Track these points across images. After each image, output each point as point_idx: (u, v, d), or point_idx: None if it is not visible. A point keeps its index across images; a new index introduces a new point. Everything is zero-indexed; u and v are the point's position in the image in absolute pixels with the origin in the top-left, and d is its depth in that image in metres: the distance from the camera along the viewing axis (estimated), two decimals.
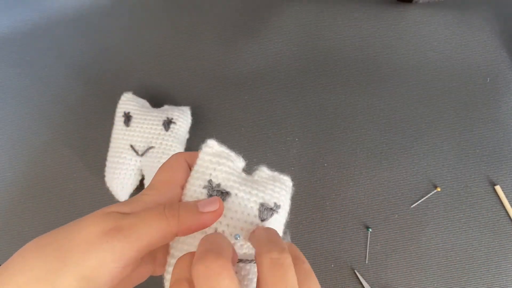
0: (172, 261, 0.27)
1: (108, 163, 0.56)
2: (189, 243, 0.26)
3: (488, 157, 0.56)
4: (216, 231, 0.26)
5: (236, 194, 0.27)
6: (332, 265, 0.53)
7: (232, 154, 0.29)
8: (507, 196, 0.53)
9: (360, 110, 0.59)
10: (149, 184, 0.27)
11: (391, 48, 0.61)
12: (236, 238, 0.26)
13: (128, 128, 0.55)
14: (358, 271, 0.53)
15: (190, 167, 0.29)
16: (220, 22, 0.66)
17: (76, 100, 0.64)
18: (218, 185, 0.27)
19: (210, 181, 0.27)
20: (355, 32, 0.63)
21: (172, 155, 0.29)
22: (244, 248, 0.27)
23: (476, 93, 0.58)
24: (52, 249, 0.22)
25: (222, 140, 0.29)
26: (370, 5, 0.63)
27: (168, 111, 0.56)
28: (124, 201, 0.26)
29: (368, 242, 0.54)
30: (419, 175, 0.56)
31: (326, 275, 0.53)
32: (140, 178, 0.56)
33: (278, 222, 0.29)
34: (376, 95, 0.60)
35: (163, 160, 0.51)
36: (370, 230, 0.54)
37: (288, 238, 0.30)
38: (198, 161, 0.28)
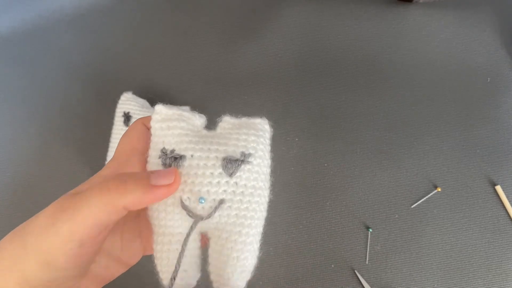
0: (155, 237, 0.25)
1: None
2: (165, 217, 0.25)
3: (488, 157, 0.55)
4: (181, 200, 0.25)
5: (192, 156, 0.25)
6: (332, 265, 0.53)
7: (185, 113, 0.26)
8: (507, 196, 0.53)
9: (360, 110, 0.59)
10: (112, 157, 0.26)
11: (391, 48, 0.61)
12: (201, 202, 0.24)
13: None
14: (358, 271, 0.53)
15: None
16: (220, 22, 0.66)
17: (76, 100, 0.64)
18: (172, 151, 0.25)
19: (163, 149, 0.25)
20: (355, 32, 0.63)
21: (132, 123, 0.27)
22: (211, 209, 0.25)
23: (477, 93, 0.58)
24: (18, 235, 0.22)
25: None
26: (370, 5, 0.63)
27: None
28: (89, 179, 0.25)
29: (369, 242, 0.53)
30: (420, 175, 0.56)
31: (326, 275, 0.53)
32: None
33: (254, 173, 0.26)
34: (376, 95, 0.60)
35: None
36: (371, 230, 0.54)
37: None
38: (152, 131, 0.26)
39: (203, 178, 0.25)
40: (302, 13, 0.64)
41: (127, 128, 0.55)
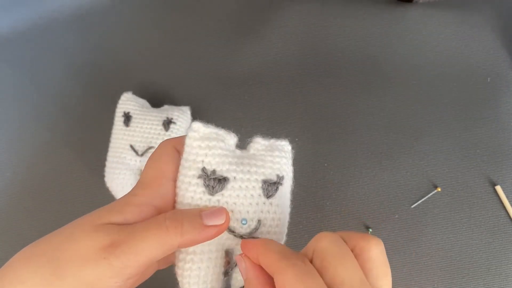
0: (182, 256, 0.25)
1: (108, 163, 0.56)
2: None
3: (488, 157, 0.55)
4: None
5: (234, 178, 0.26)
6: None
7: (222, 133, 0.26)
8: (507, 196, 0.53)
9: (360, 110, 0.59)
10: (138, 181, 0.25)
11: (391, 48, 0.61)
12: (243, 224, 0.25)
13: (128, 128, 0.55)
14: None
15: (180, 155, 0.26)
16: (220, 22, 0.66)
17: (76, 100, 0.64)
18: (213, 171, 0.25)
19: (203, 169, 0.25)
20: (355, 32, 0.63)
21: (160, 144, 0.27)
22: (252, 229, 0.26)
23: (477, 93, 0.58)
24: (45, 260, 0.21)
25: None
26: (370, 5, 0.63)
27: (168, 111, 0.56)
28: (115, 205, 0.24)
29: None
30: (419, 175, 0.56)
31: None
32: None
33: (284, 193, 0.28)
34: (376, 95, 0.60)
35: None
36: (370, 230, 0.54)
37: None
38: (186, 149, 0.26)
39: (245, 200, 0.26)
40: (302, 13, 0.64)
41: (127, 128, 0.55)
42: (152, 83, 0.63)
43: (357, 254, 0.22)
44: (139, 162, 0.54)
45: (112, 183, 0.55)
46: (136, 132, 0.54)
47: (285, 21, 0.64)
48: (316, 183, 0.56)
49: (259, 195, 0.26)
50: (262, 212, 0.26)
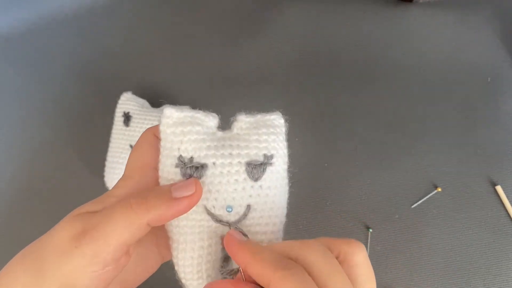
0: (175, 245, 0.25)
1: (108, 163, 0.56)
2: (186, 225, 0.24)
3: (488, 157, 0.55)
4: (205, 209, 0.24)
5: (214, 163, 0.24)
6: None
7: (198, 115, 0.25)
8: (508, 196, 0.53)
9: (360, 110, 0.59)
10: (123, 174, 0.25)
11: (391, 48, 0.61)
12: (229, 211, 0.24)
13: (128, 128, 0.55)
14: None
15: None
16: (220, 22, 0.66)
17: (76, 100, 0.64)
18: (191, 159, 0.23)
19: (180, 157, 0.23)
20: (355, 32, 0.63)
21: (142, 133, 0.26)
22: (240, 216, 0.24)
23: (477, 93, 0.58)
24: (31, 259, 0.21)
25: None
26: (371, 5, 0.63)
27: None
28: (98, 198, 0.24)
29: (369, 242, 0.53)
30: (420, 175, 0.55)
31: None
32: None
33: (276, 173, 0.25)
34: (376, 94, 0.59)
35: None
36: (371, 230, 0.54)
37: None
38: (162, 136, 0.24)
39: (228, 186, 0.24)
40: (302, 14, 0.64)
41: (127, 128, 0.55)
42: (152, 83, 0.63)
43: (341, 261, 0.22)
44: None
45: (112, 183, 0.55)
46: (136, 132, 0.54)
47: (285, 21, 0.64)
48: (316, 183, 0.56)
49: (244, 179, 0.24)
50: (251, 196, 0.24)
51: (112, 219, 0.21)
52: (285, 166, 0.27)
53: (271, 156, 0.25)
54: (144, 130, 0.56)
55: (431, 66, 0.60)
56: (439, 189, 0.54)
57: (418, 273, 0.52)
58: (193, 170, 0.23)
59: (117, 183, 0.25)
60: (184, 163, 0.23)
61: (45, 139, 0.62)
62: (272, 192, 0.25)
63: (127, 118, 0.55)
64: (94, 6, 0.68)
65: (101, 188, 0.57)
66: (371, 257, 0.53)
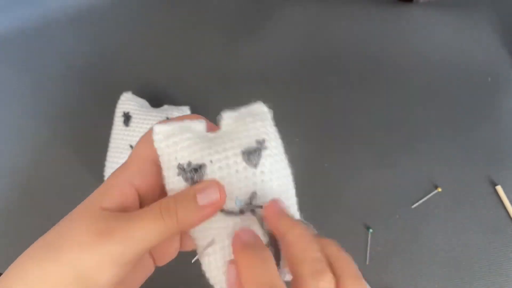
0: (198, 250, 0.25)
1: (107, 163, 0.56)
2: (204, 228, 0.25)
3: (489, 157, 0.55)
4: None
5: (211, 161, 0.25)
6: None
7: (185, 124, 0.25)
8: (508, 196, 0.53)
9: (360, 110, 0.59)
10: (122, 163, 0.26)
11: (391, 48, 0.61)
12: (238, 204, 0.24)
13: (128, 128, 0.55)
14: None
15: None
16: (220, 23, 0.66)
17: (76, 100, 0.64)
18: (189, 163, 0.24)
19: (179, 165, 0.24)
20: (355, 32, 0.63)
21: (148, 131, 0.26)
22: (245, 206, 0.25)
23: (477, 92, 0.58)
24: (44, 251, 0.22)
25: None
26: (371, 5, 0.63)
27: (168, 111, 0.56)
28: (103, 188, 0.24)
29: (369, 242, 0.53)
30: (420, 175, 0.55)
31: None
32: None
33: (273, 156, 0.26)
34: (376, 94, 0.59)
35: None
36: (371, 230, 0.54)
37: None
38: (159, 152, 0.25)
39: (230, 178, 0.24)
40: (303, 14, 0.64)
41: (127, 128, 0.55)
42: (152, 83, 0.63)
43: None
44: None
45: None
46: (136, 132, 0.54)
47: (285, 21, 0.64)
48: (316, 183, 0.56)
49: (244, 167, 0.25)
50: (255, 184, 0.25)
51: (144, 226, 0.22)
52: (281, 149, 0.27)
53: (263, 140, 0.25)
54: (144, 130, 0.56)
55: (431, 66, 0.60)
56: (439, 189, 0.54)
57: (418, 273, 0.52)
58: (193, 173, 0.24)
59: (115, 172, 0.25)
60: (184, 169, 0.24)
61: (45, 139, 0.62)
62: (274, 176, 0.26)
63: (127, 118, 0.55)
64: (94, 6, 0.68)
65: None
66: (372, 257, 0.53)
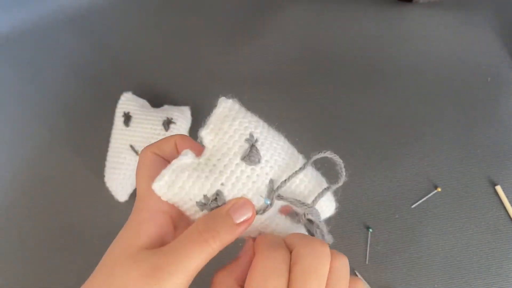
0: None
1: (108, 163, 0.56)
2: (248, 231, 0.27)
3: (488, 157, 0.55)
4: None
5: (222, 184, 0.25)
6: None
7: (176, 165, 0.25)
8: (507, 196, 0.53)
9: (360, 110, 0.59)
10: (137, 196, 0.26)
11: (391, 48, 0.61)
12: (267, 202, 0.25)
13: (128, 128, 0.55)
14: (358, 272, 0.53)
15: (164, 158, 0.27)
16: (220, 22, 0.66)
17: (76, 100, 0.64)
18: (206, 197, 0.25)
19: (198, 203, 0.25)
20: (355, 32, 0.63)
21: (140, 153, 0.27)
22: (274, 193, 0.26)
23: (477, 92, 0.58)
24: None
25: None
26: (370, 5, 0.63)
27: (168, 111, 0.56)
28: (132, 227, 0.24)
29: (369, 242, 0.53)
30: (420, 175, 0.56)
31: None
32: None
33: (267, 139, 0.27)
34: (376, 95, 0.60)
35: None
36: (371, 230, 0.54)
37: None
38: (171, 202, 0.25)
39: (246, 186, 0.25)
40: (303, 14, 0.64)
41: (127, 128, 0.55)
42: (152, 83, 0.63)
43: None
44: None
45: (112, 183, 0.55)
46: (136, 132, 0.54)
47: (285, 21, 0.64)
48: None
49: (252, 169, 0.25)
50: (267, 174, 0.26)
51: (190, 255, 0.22)
52: (265, 126, 0.28)
53: (251, 135, 0.26)
54: (144, 130, 0.56)
55: (431, 66, 0.60)
56: (439, 189, 0.55)
57: (418, 273, 0.52)
58: (214, 203, 0.25)
59: (138, 205, 0.25)
60: (204, 204, 0.25)
61: (44, 139, 0.62)
62: (277, 153, 0.27)
63: (127, 118, 0.55)
64: (94, 6, 0.68)
65: (101, 188, 0.57)
66: (371, 257, 0.53)
